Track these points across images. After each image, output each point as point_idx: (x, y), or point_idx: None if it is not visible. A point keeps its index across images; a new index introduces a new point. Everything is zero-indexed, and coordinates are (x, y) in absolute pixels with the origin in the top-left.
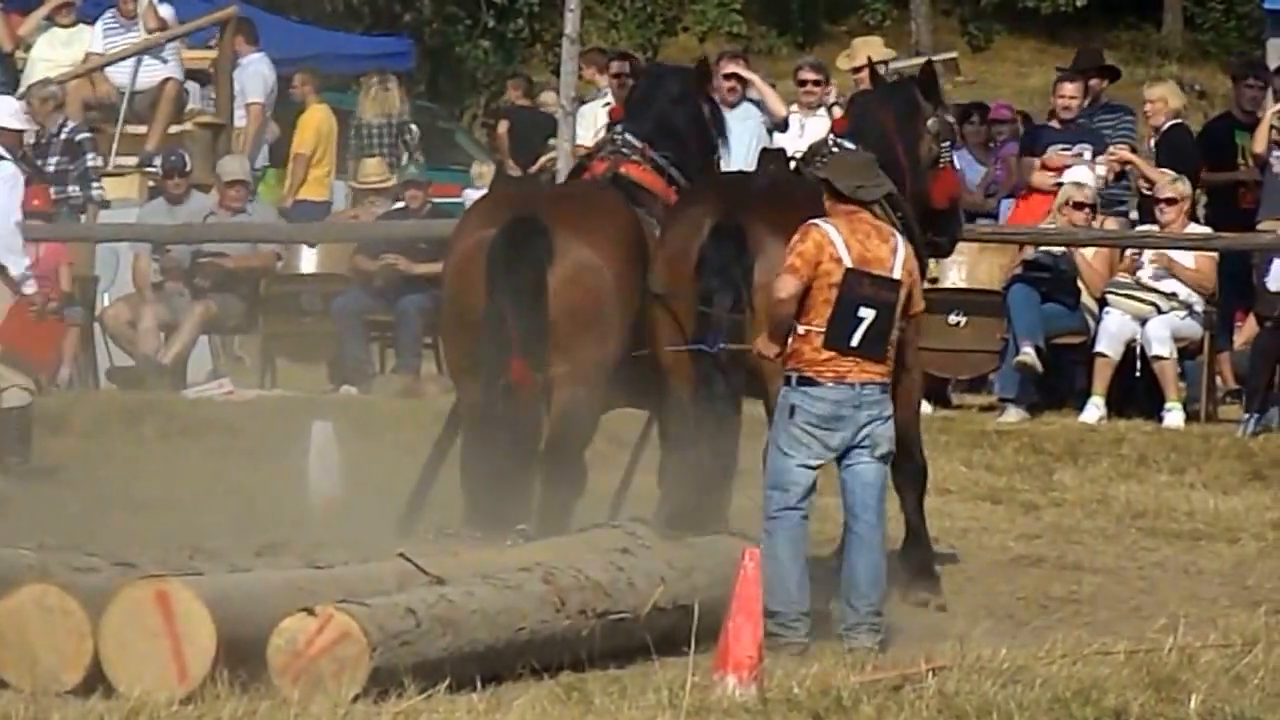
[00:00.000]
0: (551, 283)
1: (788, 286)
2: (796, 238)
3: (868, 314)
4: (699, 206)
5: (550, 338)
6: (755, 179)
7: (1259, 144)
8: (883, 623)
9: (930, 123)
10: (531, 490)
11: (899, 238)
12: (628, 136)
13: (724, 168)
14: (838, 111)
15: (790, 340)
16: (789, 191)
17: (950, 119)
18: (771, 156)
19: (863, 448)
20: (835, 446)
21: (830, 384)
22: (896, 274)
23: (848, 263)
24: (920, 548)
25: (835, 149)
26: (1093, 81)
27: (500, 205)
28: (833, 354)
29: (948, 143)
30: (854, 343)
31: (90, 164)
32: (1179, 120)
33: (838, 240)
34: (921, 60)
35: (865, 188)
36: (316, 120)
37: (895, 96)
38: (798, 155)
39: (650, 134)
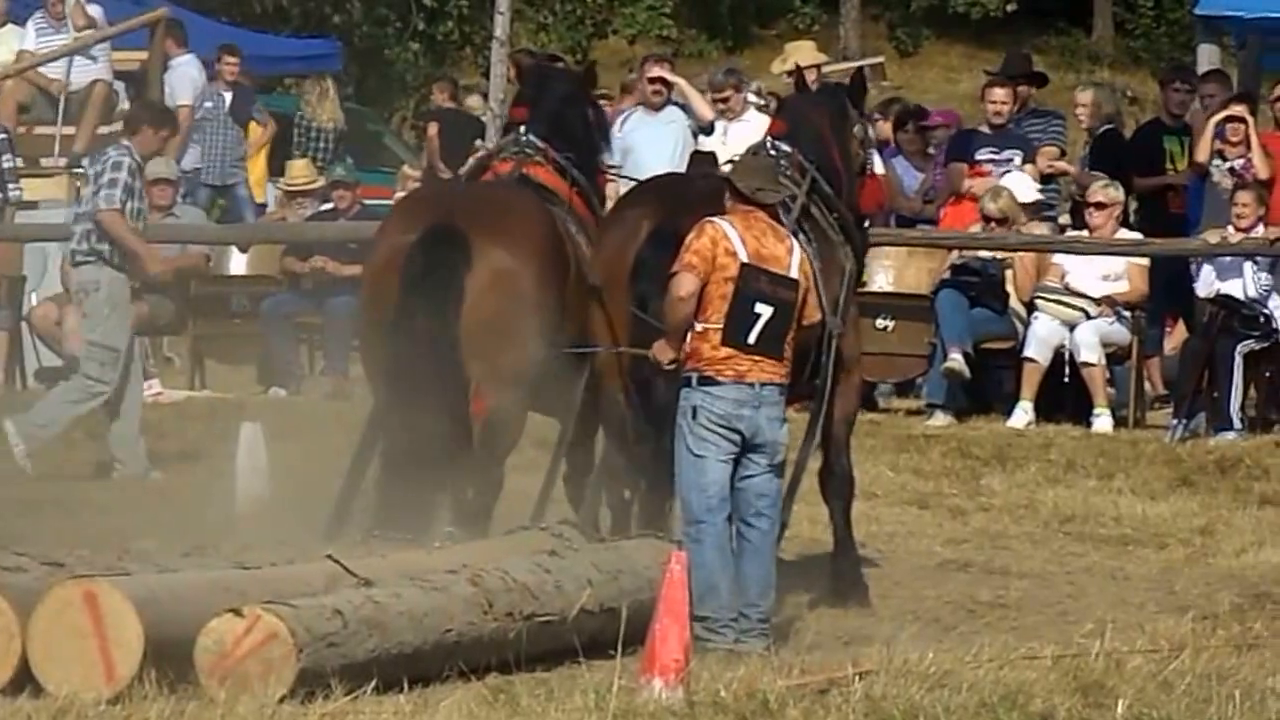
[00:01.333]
0: (471, 290)
1: (686, 284)
2: (692, 235)
3: (764, 310)
4: (637, 210)
5: (472, 345)
6: (693, 183)
7: (1201, 153)
8: (770, 628)
9: (857, 129)
10: (445, 494)
11: (795, 241)
12: (531, 137)
13: (609, 170)
14: (755, 113)
15: (688, 339)
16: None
17: (872, 128)
18: (702, 159)
19: (760, 452)
20: (739, 443)
21: (730, 383)
22: (793, 274)
23: (743, 258)
24: (848, 557)
25: (772, 151)
26: (1021, 87)
27: (419, 209)
28: (731, 352)
29: (872, 150)
30: (751, 340)
31: (6, 165)
32: (1111, 125)
33: (733, 235)
34: (850, 65)
35: (765, 190)
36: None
37: (828, 102)
38: (734, 158)
39: (551, 135)
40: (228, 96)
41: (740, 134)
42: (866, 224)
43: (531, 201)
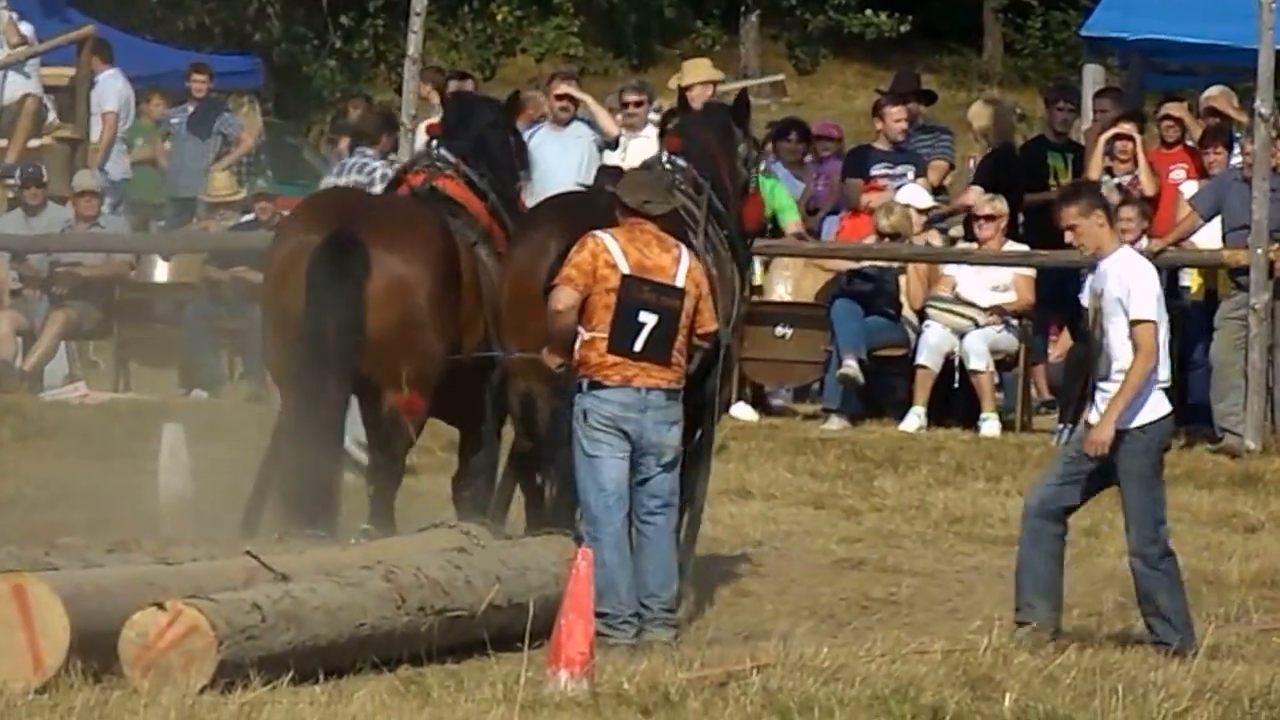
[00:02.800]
0: (370, 297)
1: (564, 298)
2: (574, 249)
3: (649, 319)
4: (544, 228)
5: (371, 351)
6: (595, 199)
7: (1093, 170)
8: (675, 617)
9: (741, 148)
10: (343, 494)
11: (684, 250)
12: (443, 152)
13: (531, 192)
14: (653, 130)
15: (577, 348)
16: None
17: (755, 148)
18: (608, 173)
19: (649, 454)
20: (628, 444)
21: (616, 386)
22: (679, 282)
23: (624, 269)
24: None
25: (669, 165)
26: (911, 105)
27: (318, 216)
28: (618, 359)
29: (755, 167)
30: (637, 347)
31: None
32: (1005, 141)
33: (614, 248)
34: (751, 83)
35: (652, 203)
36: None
37: (714, 120)
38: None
39: (464, 151)
40: (189, 110)
41: (640, 149)
42: (750, 242)
43: (427, 214)
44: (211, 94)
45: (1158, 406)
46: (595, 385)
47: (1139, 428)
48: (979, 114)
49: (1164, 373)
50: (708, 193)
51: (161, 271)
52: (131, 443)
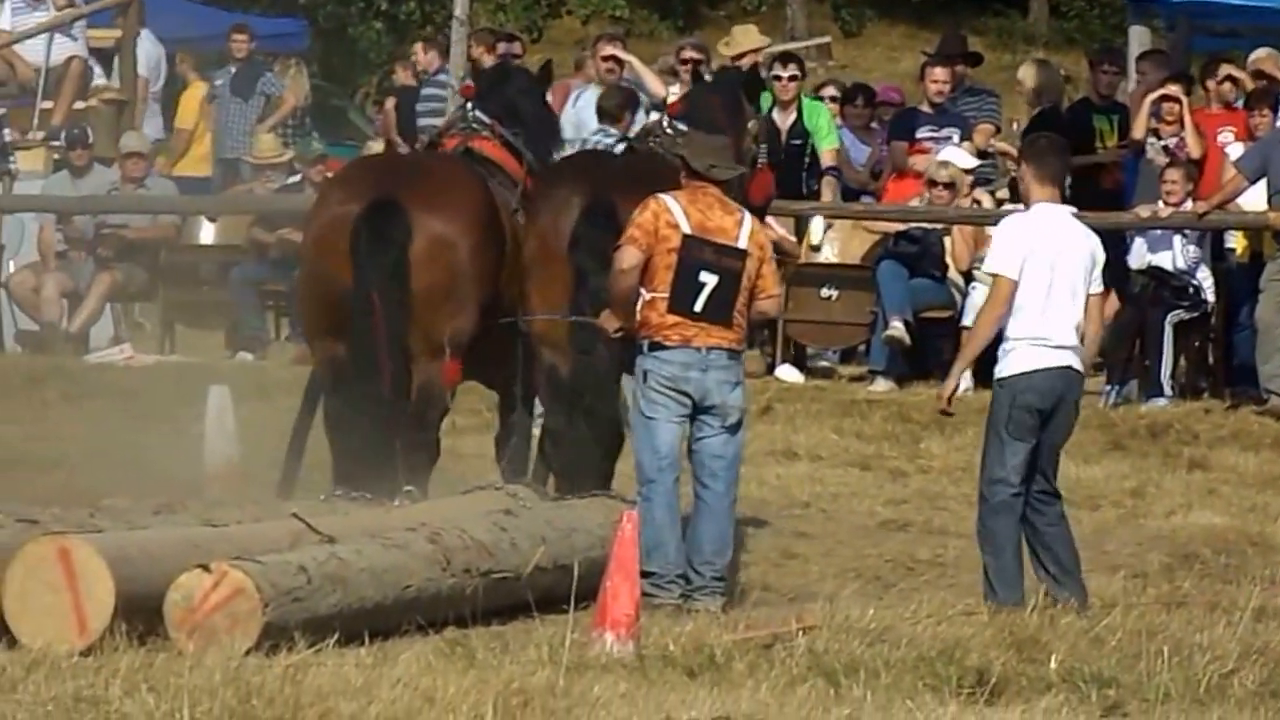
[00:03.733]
0: (413, 260)
1: (628, 257)
2: (636, 210)
3: (709, 279)
4: (565, 186)
5: (416, 314)
6: (613, 158)
7: (1137, 130)
8: (726, 586)
9: (751, 124)
10: (393, 450)
11: (747, 214)
12: (477, 114)
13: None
14: None
15: (639, 309)
16: (651, 168)
17: (762, 122)
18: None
19: (712, 414)
20: (689, 405)
21: (677, 346)
22: (741, 244)
23: (685, 229)
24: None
25: (669, 130)
26: (958, 67)
27: (359, 181)
28: (678, 319)
29: (764, 144)
30: (697, 308)
31: (6, 139)
32: (1050, 104)
33: (675, 209)
34: (798, 45)
35: (718, 167)
36: (198, 97)
37: (723, 92)
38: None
39: (499, 113)
40: (232, 71)
41: None
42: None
43: (467, 174)
44: (253, 55)
45: (1012, 362)
46: (655, 346)
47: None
48: (1028, 75)
49: (1027, 328)
50: None
51: (208, 233)
52: (177, 405)
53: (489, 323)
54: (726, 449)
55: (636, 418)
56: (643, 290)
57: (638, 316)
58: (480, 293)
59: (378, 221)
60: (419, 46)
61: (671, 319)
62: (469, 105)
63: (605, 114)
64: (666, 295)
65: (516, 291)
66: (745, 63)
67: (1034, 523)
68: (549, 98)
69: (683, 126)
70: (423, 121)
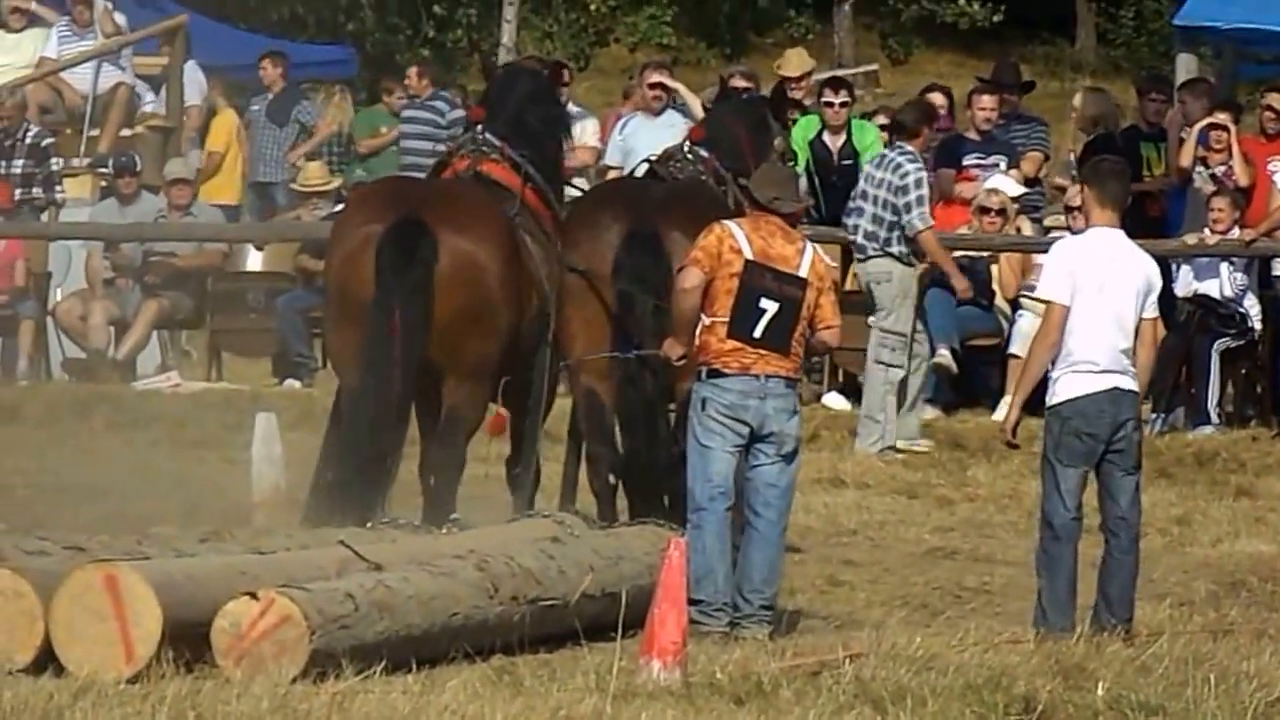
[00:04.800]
0: (439, 281)
1: (691, 278)
2: (701, 234)
3: (769, 306)
4: (607, 212)
5: (440, 335)
6: (651, 185)
7: (1185, 158)
8: (774, 614)
9: (777, 141)
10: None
11: (809, 244)
12: (487, 135)
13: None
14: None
15: (698, 334)
16: (692, 194)
17: (790, 141)
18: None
19: (768, 443)
20: (746, 434)
21: (735, 374)
22: (802, 273)
23: (748, 255)
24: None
25: (689, 155)
26: (1007, 94)
27: (383, 202)
28: (737, 345)
29: (792, 162)
30: (756, 334)
31: (54, 168)
32: (1104, 130)
33: (739, 234)
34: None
35: (782, 200)
36: (227, 125)
37: (748, 113)
38: (653, 157)
39: (507, 133)
40: (268, 98)
41: None
42: None
43: (487, 198)
44: (291, 83)
45: (1060, 389)
46: (714, 374)
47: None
48: (1084, 103)
49: (1074, 353)
50: (730, 184)
51: (255, 261)
52: (224, 433)
53: (515, 347)
54: (781, 478)
55: (692, 445)
56: (703, 315)
57: (697, 341)
58: (507, 317)
59: (404, 239)
60: (413, 71)
61: (731, 344)
62: (479, 127)
63: (902, 129)
64: (726, 320)
65: (530, 314)
66: (802, 85)
67: (1107, 548)
68: (562, 98)
69: (704, 153)
70: (410, 144)
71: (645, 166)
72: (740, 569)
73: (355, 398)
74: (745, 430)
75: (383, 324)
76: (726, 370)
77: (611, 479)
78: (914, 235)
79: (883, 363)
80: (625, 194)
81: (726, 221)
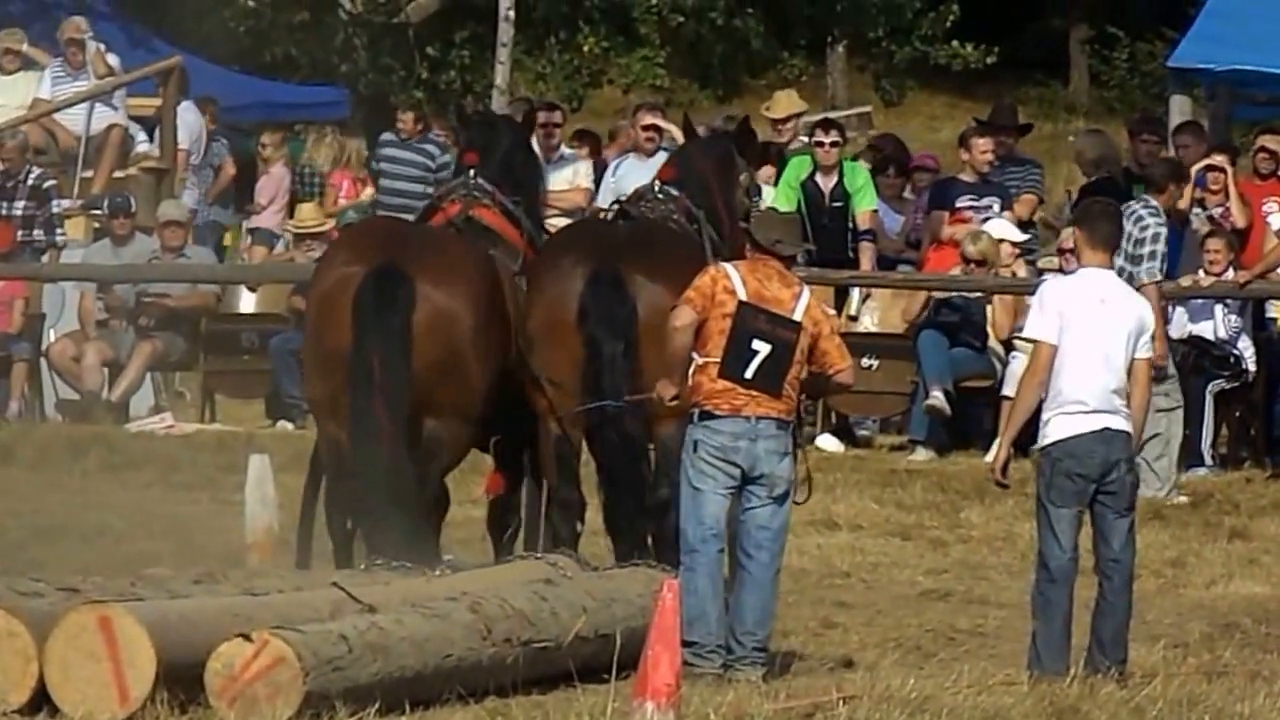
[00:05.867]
0: (415, 329)
1: (683, 316)
2: (698, 275)
3: (762, 348)
4: (571, 255)
5: (417, 383)
6: (618, 226)
7: (1183, 201)
8: (767, 656)
9: (743, 177)
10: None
11: (806, 288)
12: (480, 180)
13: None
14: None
15: (690, 374)
16: (658, 235)
17: (755, 176)
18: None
19: (760, 484)
20: (738, 476)
21: (727, 416)
22: (797, 317)
23: (741, 296)
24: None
25: (660, 194)
26: (1005, 136)
27: (362, 247)
28: (729, 385)
29: (757, 197)
30: (748, 375)
31: (55, 210)
32: (1105, 174)
33: (734, 276)
34: (839, 114)
35: (783, 243)
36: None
37: (714, 150)
38: (622, 198)
39: (499, 179)
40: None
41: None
42: None
43: (469, 246)
44: (220, 125)
45: (1050, 430)
46: (706, 415)
47: (1039, 450)
48: (1086, 145)
49: (1063, 394)
50: (702, 222)
51: (248, 302)
52: (217, 474)
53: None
54: (773, 521)
55: (684, 486)
56: (695, 355)
57: (690, 381)
58: (483, 368)
59: (382, 287)
60: (409, 115)
61: (722, 384)
62: (471, 172)
63: (1151, 183)
64: (719, 360)
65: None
66: (788, 127)
67: (1100, 590)
68: (534, 144)
69: (675, 191)
70: (399, 185)
71: (616, 207)
72: (733, 611)
73: (342, 451)
74: (736, 472)
75: (362, 372)
76: (718, 412)
77: (579, 527)
78: (1138, 287)
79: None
80: (588, 237)
81: (722, 264)
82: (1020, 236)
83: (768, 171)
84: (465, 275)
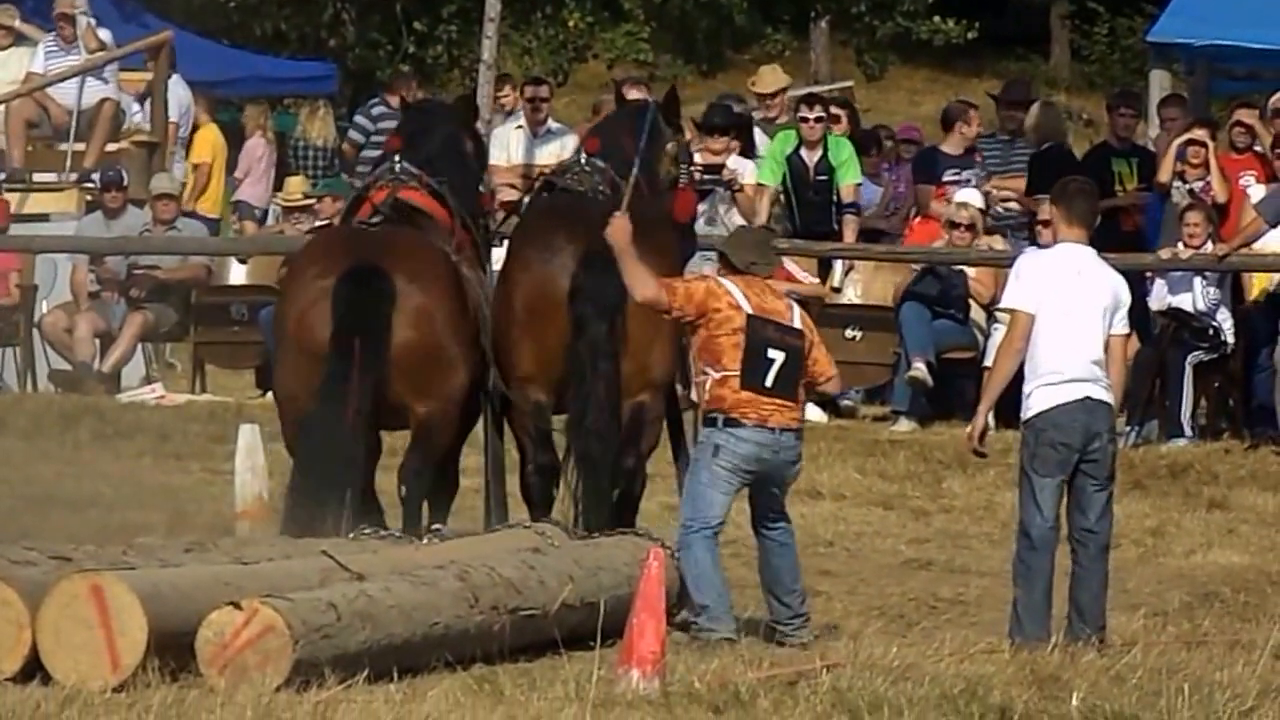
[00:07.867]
0: (396, 323)
1: (658, 300)
2: (694, 279)
3: (777, 356)
4: (559, 234)
5: (400, 376)
6: (596, 203)
7: (1163, 173)
8: (808, 621)
9: (670, 146)
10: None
11: (794, 300)
12: (405, 164)
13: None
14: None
15: (708, 386)
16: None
17: (687, 142)
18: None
19: (772, 485)
20: (751, 481)
21: (753, 426)
22: (796, 325)
23: (747, 310)
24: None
25: (587, 168)
26: (1015, 111)
27: (335, 253)
28: (752, 395)
29: (685, 164)
30: (768, 383)
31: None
32: (1053, 144)
33: (735, 290)
34: (824, 88)
35: (758, 265)
36: (210, 138)
37: (636, 120)
38: (547, 170)
39: (425, 162)
40: None
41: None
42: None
43: (429, 242)
44: None
45: (1033, 403)
46: (731, 422)
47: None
48: (1029, 114)
49: (1044, 366)
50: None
51: (238, 274)
52: (208, 444)
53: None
54: (779, 502)
55: (694, 481)
56: (711, 370)
57: (707, 394)
58: (464, 350)
59: (360, 281)
60: (412, 84)
61: (745, 395)
62: (395, 157)
63: None
64: (737, 373)
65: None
66: (777, 102)
67: (1074, 559)
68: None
69: (601, 164)
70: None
71: (542, 181)
72: (768, 576)
73: (311, 424)
74: (751, 479)
75: (340, 358)
76: (745, 420)
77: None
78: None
79: None
80: (574, 214)
81: (719, 277)
82: (977, 206)
83: (763, 141)
84: (435, 266)
